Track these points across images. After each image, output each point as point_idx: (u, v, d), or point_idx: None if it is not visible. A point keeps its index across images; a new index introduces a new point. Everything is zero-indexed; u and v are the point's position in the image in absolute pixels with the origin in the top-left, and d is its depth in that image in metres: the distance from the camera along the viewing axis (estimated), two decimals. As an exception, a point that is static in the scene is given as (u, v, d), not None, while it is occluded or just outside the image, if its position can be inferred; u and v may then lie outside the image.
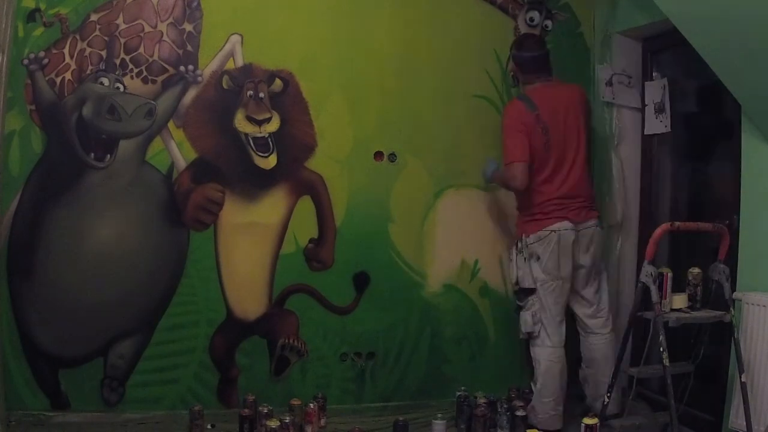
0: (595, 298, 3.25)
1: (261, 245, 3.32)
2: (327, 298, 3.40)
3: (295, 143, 3.33)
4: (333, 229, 3.39)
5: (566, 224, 3.09)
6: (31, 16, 3.06)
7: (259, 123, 3.27)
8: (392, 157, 3.46)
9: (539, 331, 3.11)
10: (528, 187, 3.10)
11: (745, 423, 2.57)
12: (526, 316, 3.13)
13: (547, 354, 3.11)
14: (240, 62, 3.26)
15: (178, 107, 3.21)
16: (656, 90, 3.41)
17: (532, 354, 3.19)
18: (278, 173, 3.31)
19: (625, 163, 3.53)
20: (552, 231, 3.08)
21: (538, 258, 3.09)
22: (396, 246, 3.46)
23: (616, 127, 3.51)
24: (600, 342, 3.23)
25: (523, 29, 3.57)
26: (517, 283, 3.19)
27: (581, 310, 3.26)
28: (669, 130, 3.36)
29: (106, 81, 3.13)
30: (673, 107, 3.39)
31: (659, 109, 3.39)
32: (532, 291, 3.12)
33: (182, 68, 3.20)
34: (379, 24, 3.41)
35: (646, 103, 3.48)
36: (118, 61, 3.14)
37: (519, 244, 3.18)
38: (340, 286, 3.42)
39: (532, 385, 3.22)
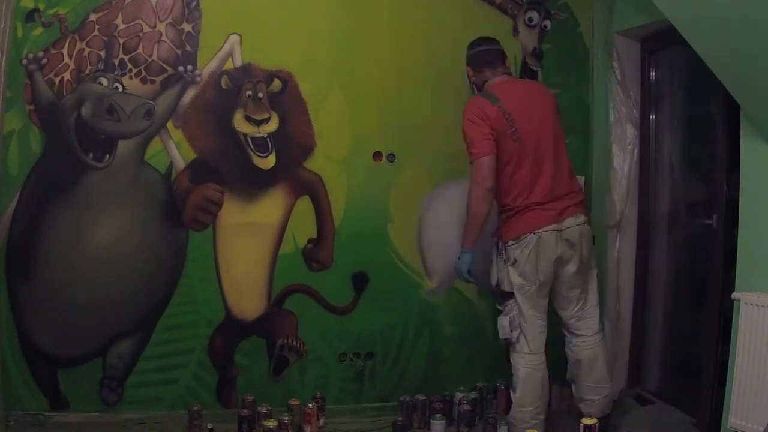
0: (581, 297, 2.99)
1: (260, 245, 3.32)
2: (326, 298, 3.40)
3: (293, 143, 3.33)
4: (332, 229, 3.39)
5: (547, 225, 2.84)
6: (30, 16, 3.07)
7: (258, 123, 3.27)
8: (391, 157, 3.45)
9: (517, 337, 2.88)
10: (504, 184, 2.89)
11: (744, 423, 2.57)
12: (503, 322, 2.90)
13: (525, 361, 2.88)
14: (239, 62, 3.26)
15: (177, 107, 3.21)
16: None
17: (511, 361, 2.95)
18: (277, 173, 3.31)
19: (624, 163, 3.52)
20: (531, 233, 2.84)
21: (515, 261, 2.85)
22: (395, 246, 3.46)
23: (614, 128, 3.50)
24: (585, 344, 2.99)
25: (522, 29, 3.57)
26: (497, 285, 2.96)
27: (564, 312, 3.01)
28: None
29: (104, 81, 3.13)
30: (672, 107, 3.38)
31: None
32: (511, 295, 2.89)
33: (181, 68, 3.20)
34: (378, 24, 3.41)
35: None
36: (117, 61, 3.14)
37: (498, 246, 2.95)
38: (339, 286, 3.41)
39: (511, 393, 2.99)
